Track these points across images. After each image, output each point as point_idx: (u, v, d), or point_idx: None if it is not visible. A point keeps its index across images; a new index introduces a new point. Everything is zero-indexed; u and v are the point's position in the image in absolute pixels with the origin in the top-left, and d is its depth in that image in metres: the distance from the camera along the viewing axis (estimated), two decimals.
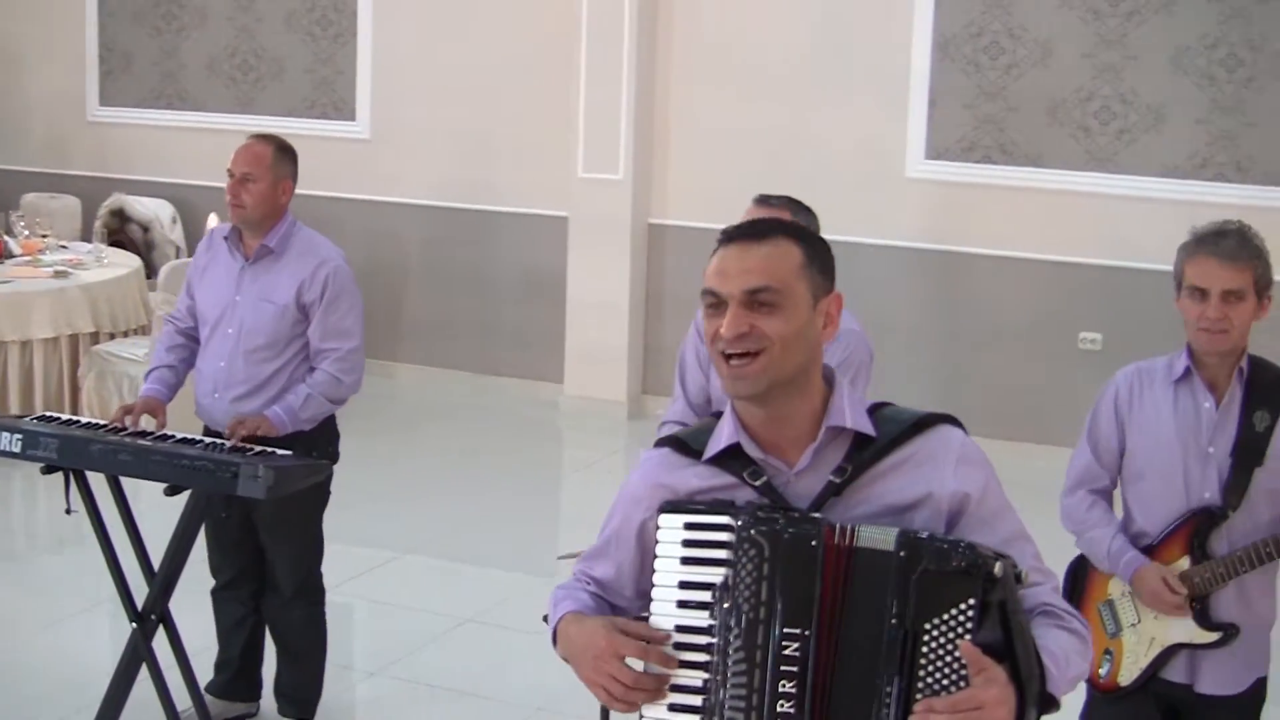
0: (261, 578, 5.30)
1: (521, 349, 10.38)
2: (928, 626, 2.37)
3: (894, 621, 2.38)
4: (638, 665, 2.55)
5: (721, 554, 2.48)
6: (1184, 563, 3.85)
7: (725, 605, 2.46)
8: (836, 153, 9.33)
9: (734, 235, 2.60)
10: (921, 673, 2.37)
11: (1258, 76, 8.53)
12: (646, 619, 2.57)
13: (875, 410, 2.63)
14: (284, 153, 5.10)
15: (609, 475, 9.08)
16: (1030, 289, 9.12)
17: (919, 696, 2.36)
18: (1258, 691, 3.96)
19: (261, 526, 5.14)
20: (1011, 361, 9.16)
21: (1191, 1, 8.60)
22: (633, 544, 2.73)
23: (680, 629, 2.51)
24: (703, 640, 2.48)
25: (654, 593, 2.55)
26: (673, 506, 2.57)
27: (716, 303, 2.56)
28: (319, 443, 5.10)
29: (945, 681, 2.36)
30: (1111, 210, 8.89)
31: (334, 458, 5.23)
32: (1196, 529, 3.84)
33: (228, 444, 4.76)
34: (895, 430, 2.59)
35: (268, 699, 5.44)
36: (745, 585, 2.44)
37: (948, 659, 2.36)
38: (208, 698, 5.12)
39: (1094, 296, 8.96)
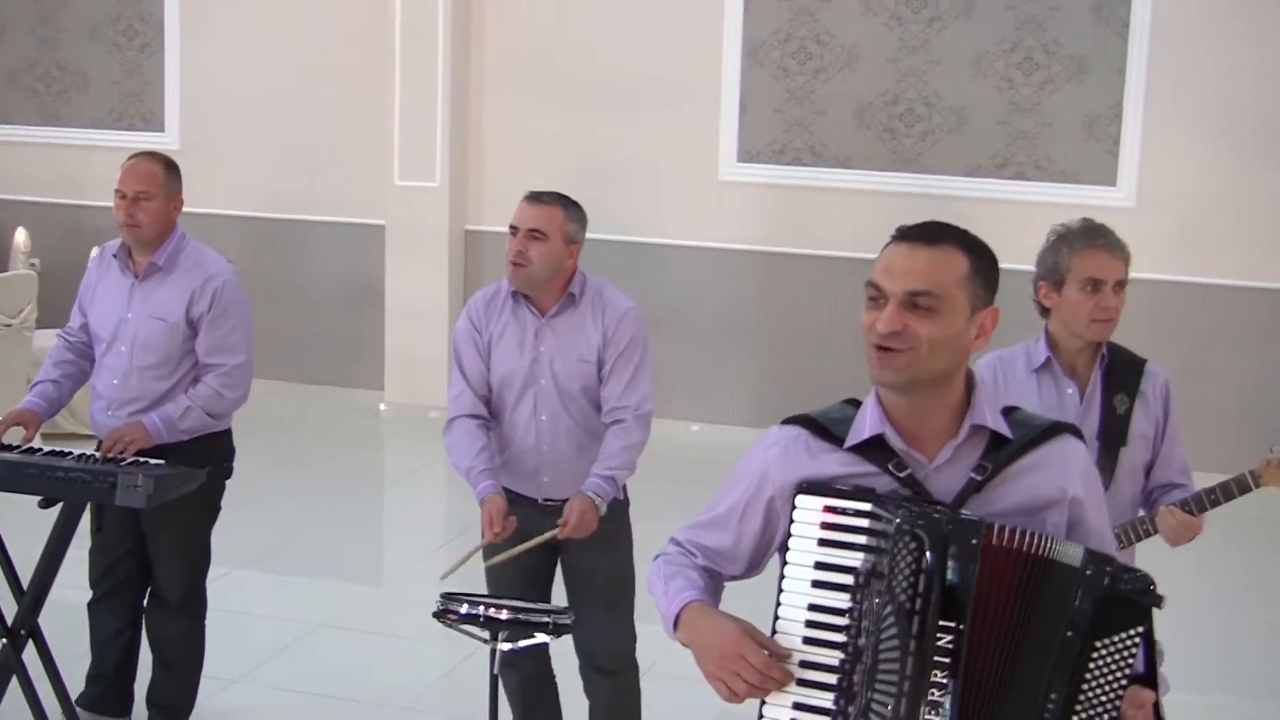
0: (141, 591, 5.26)
1: (340, 357, 10.37)
2: (1098, 644, 2.50)
3: (1069, 634, 2.49)
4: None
5: (862, 539, 2.57)
6: None
7: (877, 592, 2.52)
8: (650, 157, 9.49)
9: (907, 234, 2.69)
10: (1085, 686, 2.50)
11: (1053, 79, 8.90)
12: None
13: (1007, 414, 2.75)
14: (172, 169, 5.09)
15: (433, 481, 9.12)
16: (843, 287, 9.36)
17: (1078, 708, 2.50)
18: None
19: (150, 538, 5.12)
20: (828, 357, 9.39)
21: (989, 8, 8.95)
22: (759, 518, 2.80)
23: (814, 608, 2.59)
24: (839, 620, 2.57)
25: (786, 570, 2.63)
26: (812, 488, 2.65)
27: (877, 295, 2.65)
28: (211, 458, 5.10)
29: (1104, 698, 2.50)
30: (918, 209, 9.04)
31: (228, 473, 5.24)
32: None
33: (100, 455, 4.78)
34: (1029, 434, 2.71)
35: (138, 712, 5.40)
36: (903, 576, 2.49)
37: (1110, 678, 2.50)
38: (79, 711, 5.08)
39: None
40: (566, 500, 4.58)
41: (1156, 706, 2.58)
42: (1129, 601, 2.51)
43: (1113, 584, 2.51)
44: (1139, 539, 4.05)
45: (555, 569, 4.82)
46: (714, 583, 2.88)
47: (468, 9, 9.78)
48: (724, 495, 2.87)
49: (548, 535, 4.54)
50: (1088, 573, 2.51)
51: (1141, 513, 4.16)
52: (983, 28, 8.99)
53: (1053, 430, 2.75)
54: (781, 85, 9.33)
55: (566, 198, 4.74)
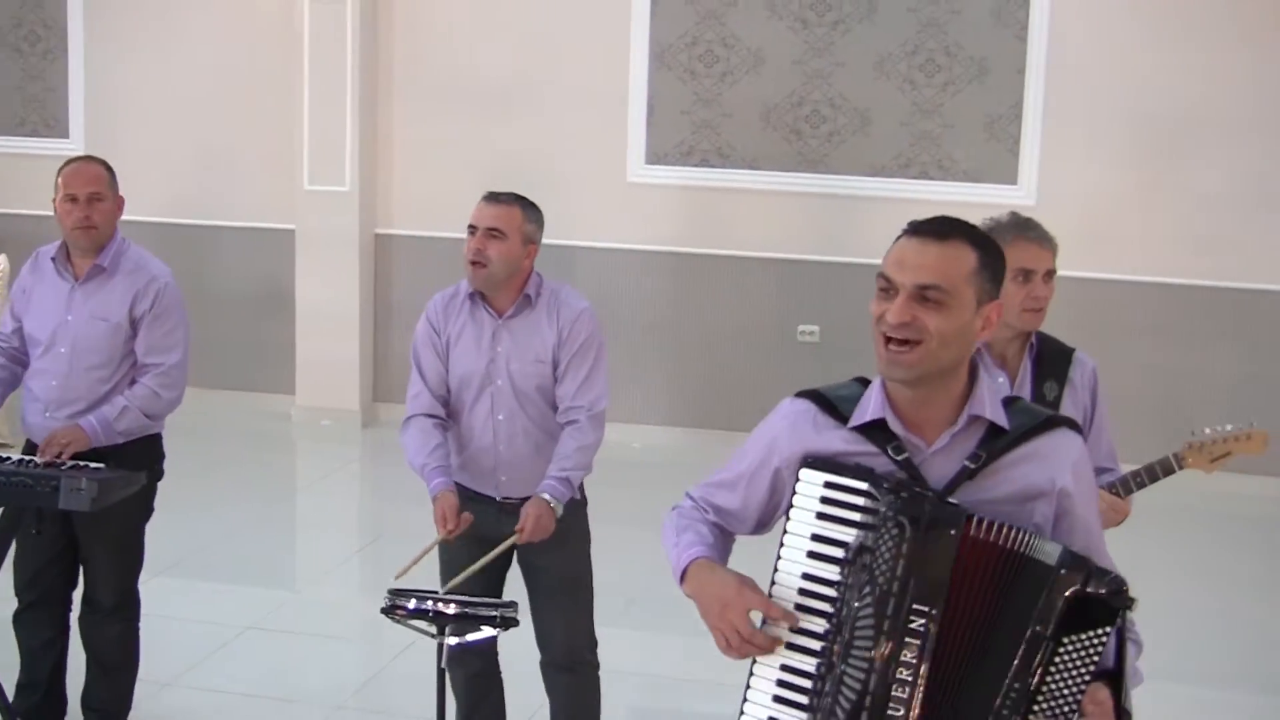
0: (67, 597, 5.25)
1: (251, 362, 10.34)
2: (1065, 641, 2.59)
3: (1038, 628, 2.59)
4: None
5: (856, 516, 2.68)
6: None
7: (861, 570, 2.65)
8: (560, 160, 9.55)
9: (918, 229, 2.78)
10: (1049, 679, 2.60)
11: (954, 81, 9.07)
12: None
13: (1008, 404, 2.85)
14: (111, 170, 5.17)
15: (348, 484, 9.16)
16: (751, 286, 9.50)
17: (1040, 698, 2.60)
18: None
19: (85, 542, 5.11)
20: (736, 355, 9.52)
21: (891, 12, 9.10)
22: (766, 484, 2.94)
23: (807, 577, 2.71)
24: (828, 591, 2.69)
25: (785, 539, 2.75)
26: (815, 463, 2.77)
27: (888, 288, 2.75)
28: (145, 461, 5.10)
29: (1066, 691, 2.60)
30: (824, 208, 9.32)
31: (159, 475, 5.24)
32: None
33: (39, 459, 4.79)
34: (1026, 425, 2.81)
35: (73, 716, 5.37)
36: (884, 558, 2.62)
37: (1074, 673, 2.59)
38: None
39: (810, 291, 9.39)
40: (524, 499, 4.64)
41: (1118, 703, 2.66)
42: (1100, 603, 2.60)
43: (1085, 585, 2.59)
44: None
45: (510, 566, 4.87)
46: (724, 538, 3.02)
47: (375, 14, 9.79)
48: (737, 460, 3.01)
49: (505, 545, 4.59)
50: (1062, 572, 2.60)
51: None
52: (885, 31, 9.14)
53: (1050, 423, 2.84)
54: (689, 88, 9.43)
55: (524, 198, 4.81)
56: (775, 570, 2.75)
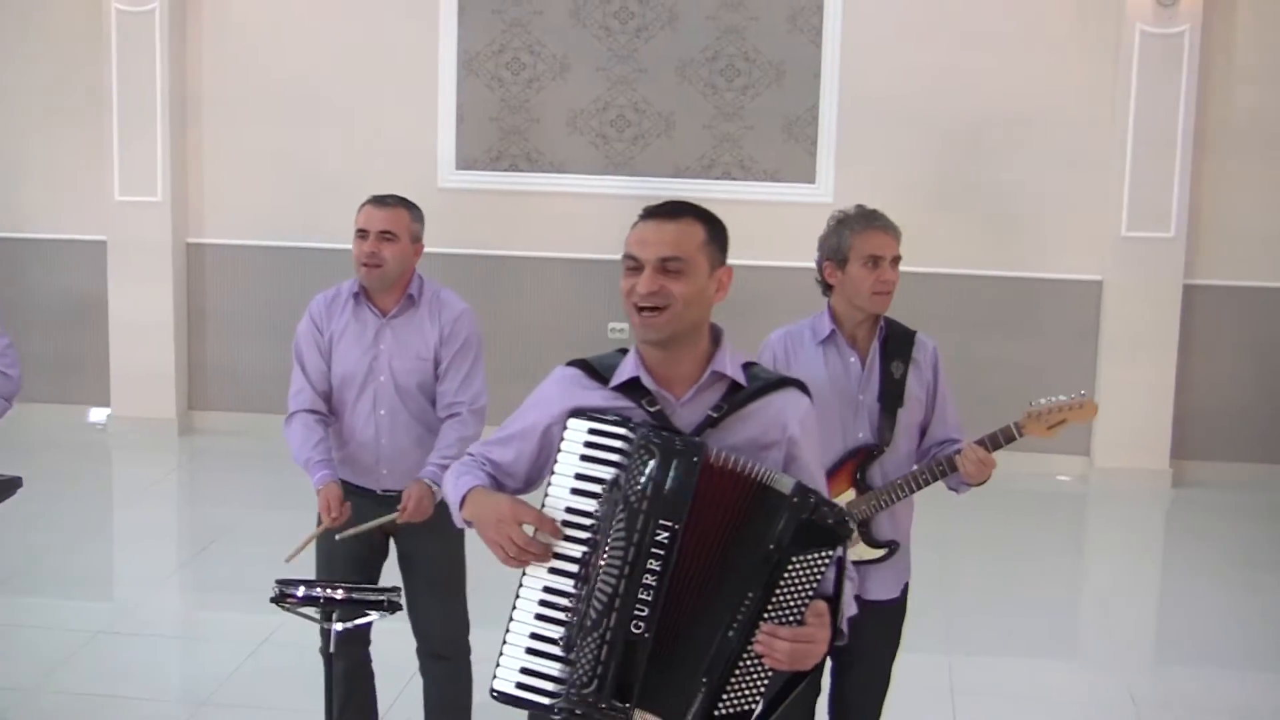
0: None
1: (63, 375, 10.28)
2: (794, 559, 3.00)
3: (771, 548, 3.00)
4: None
5: (615, 457, 3.07)
6: (850, 494, 4.46)
7: (616, 497, 3.02)
8: (371, 167, 9.66)
9: (654, 212, 3.22)
10: (778, 591, 3.00)
11: (753, 85, 9.40)
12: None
13: (747, 366, 3.29)
14: None
15: (170, 491, 9.17)
16: (562, 286, 9.74)
17: (769, 608, 3.00)
18: (905, 594, 4.59)
19: None
20: (548, 354, 9.65)
21: (692, 19, 9.41)
22: (536, 440, 3.34)
23: (570, 510, 3.08)
24: (587, 521, 3.07)
25: (553, 479, 3.13)
26: (581, 413, 3.15)
27: (636, 266, 3.17)
28: None
29: (793, 602, 3.00)
30: (631, 210, 9.42)
31: None
32: (859, 465, 4.44)
33: None
34: (761, 383, 3.26)
35: None
36: (635, 481, 3.02)
37: (798, 588, 3.00)
38: None
39: (618, 290, 9.58)
40: (403, 491, 4.81)
41: (834, 618, 3.07)
42: (825, 529, 3.00)
43: (813, 513, 3.00)
44: (919, 488, 4.44)
45: (387, 554, 5.05)
46: (497, 487, 3.34)
47: (184, 22, 9.83)
48: (513, 420, 3.40)
49: (388, 518, 4.77)
50: (794, 500, 3.00)
51: (915, 466, 4.51)
52: (686, 37, 9.45)
53: (782, 383, 3.28)
54: (496, 95, 9.64)
55: (407, 200, 5.03)
56: (542, 507, 3.11)
